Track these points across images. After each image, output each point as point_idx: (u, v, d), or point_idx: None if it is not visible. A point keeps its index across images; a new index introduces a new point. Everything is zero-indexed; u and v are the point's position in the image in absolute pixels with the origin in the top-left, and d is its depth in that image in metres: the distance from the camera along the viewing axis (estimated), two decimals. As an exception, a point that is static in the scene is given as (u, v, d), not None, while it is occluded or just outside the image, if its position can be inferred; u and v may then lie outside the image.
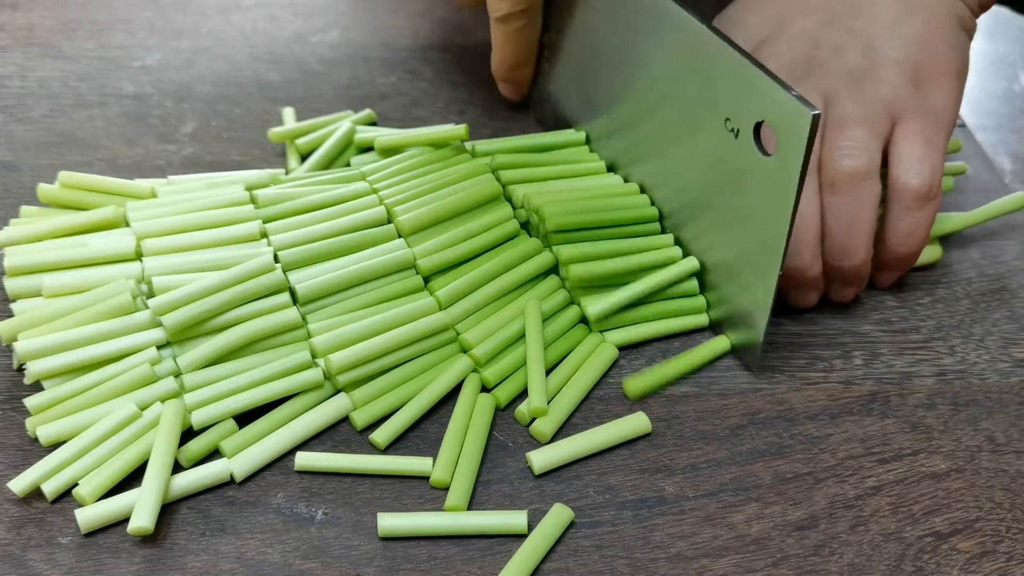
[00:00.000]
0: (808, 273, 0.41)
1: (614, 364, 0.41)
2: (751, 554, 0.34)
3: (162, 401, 0.36)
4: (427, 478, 0.36)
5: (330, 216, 0.42)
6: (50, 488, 0.34)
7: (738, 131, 0.37)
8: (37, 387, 0.37)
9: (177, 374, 0.37)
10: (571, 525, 0.35)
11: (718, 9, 0.49)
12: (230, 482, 0.35)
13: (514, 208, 0.44)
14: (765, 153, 0.36)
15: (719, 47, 0.36)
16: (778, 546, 0.34)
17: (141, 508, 0.33)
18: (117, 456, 0.35)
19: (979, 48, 0.64)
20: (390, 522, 0.34)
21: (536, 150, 0.47)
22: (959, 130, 0.54)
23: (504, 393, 0.38)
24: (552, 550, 0.34)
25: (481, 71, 0.56)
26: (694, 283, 0.42)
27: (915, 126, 0.41)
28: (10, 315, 0.39)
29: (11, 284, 0.39)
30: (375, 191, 0.43)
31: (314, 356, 0.38)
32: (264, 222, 0.41)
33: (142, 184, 0.44)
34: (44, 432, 0.35)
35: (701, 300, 0.42)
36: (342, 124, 0.49)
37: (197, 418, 0.36)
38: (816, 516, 0.35)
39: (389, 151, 0.48)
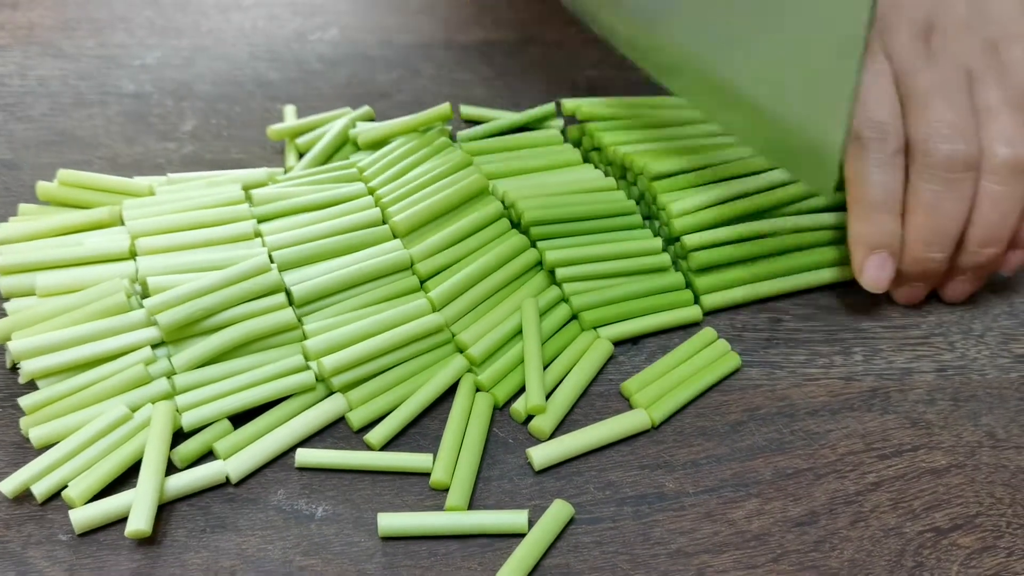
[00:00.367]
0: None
1: (612, 360, 0.41)
2: (751, 550, 0.34)
3: (153, 403, 0.36)
4: (428, 474, 0.36)
5: (325, 217, 0.42)
6: (40, 490, 0.34)
7: None
8: (33, 386, 0.37)
9: (171, 374, 0.37)
10: (571, 521, 0.35)
11: None
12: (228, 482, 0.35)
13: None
14: None
15: None
16: (778, 542, 0.34)
17: (137, 511, 0.33)
18: (107, 458, 0.34)
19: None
20: (390, 522, 0.34)
21: (515, 148, 0.48)
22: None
23: (502, 391, 0.38)
24: (552, 546, 0.34)
25: (481, 69, 0.56)
26: (680, 278, 0.42)
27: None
28: (3, 314, 0.39)
29: (5, 283, 0.38)
30: (371, 191, 0.44)
31: (307, 359, 0.38)
32: (259, 221, 0.41)
33: (141, 182, 0.44)
34: (36, 434, 0.35)
35: (689, 294, 0.42)
36: (339, 120, 0.49)
37: (187, 420, 0.35)
38: (816, 512, 0.35)
39: (376, 144, 0.48)
